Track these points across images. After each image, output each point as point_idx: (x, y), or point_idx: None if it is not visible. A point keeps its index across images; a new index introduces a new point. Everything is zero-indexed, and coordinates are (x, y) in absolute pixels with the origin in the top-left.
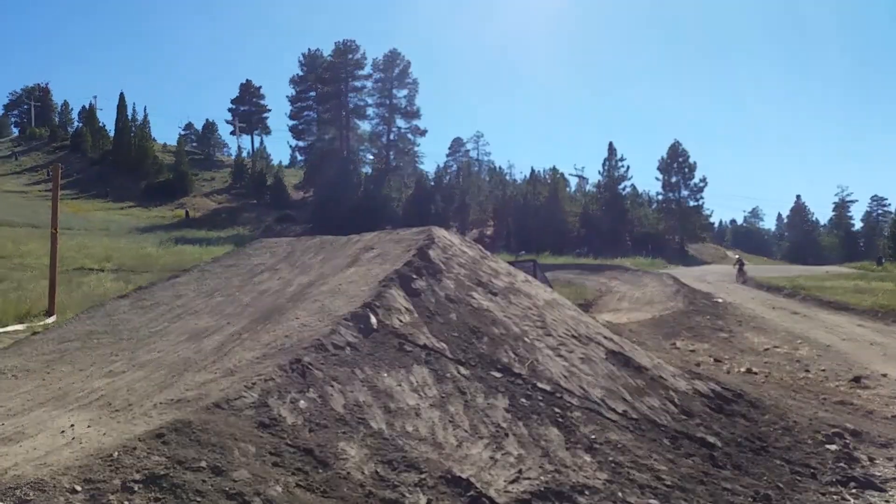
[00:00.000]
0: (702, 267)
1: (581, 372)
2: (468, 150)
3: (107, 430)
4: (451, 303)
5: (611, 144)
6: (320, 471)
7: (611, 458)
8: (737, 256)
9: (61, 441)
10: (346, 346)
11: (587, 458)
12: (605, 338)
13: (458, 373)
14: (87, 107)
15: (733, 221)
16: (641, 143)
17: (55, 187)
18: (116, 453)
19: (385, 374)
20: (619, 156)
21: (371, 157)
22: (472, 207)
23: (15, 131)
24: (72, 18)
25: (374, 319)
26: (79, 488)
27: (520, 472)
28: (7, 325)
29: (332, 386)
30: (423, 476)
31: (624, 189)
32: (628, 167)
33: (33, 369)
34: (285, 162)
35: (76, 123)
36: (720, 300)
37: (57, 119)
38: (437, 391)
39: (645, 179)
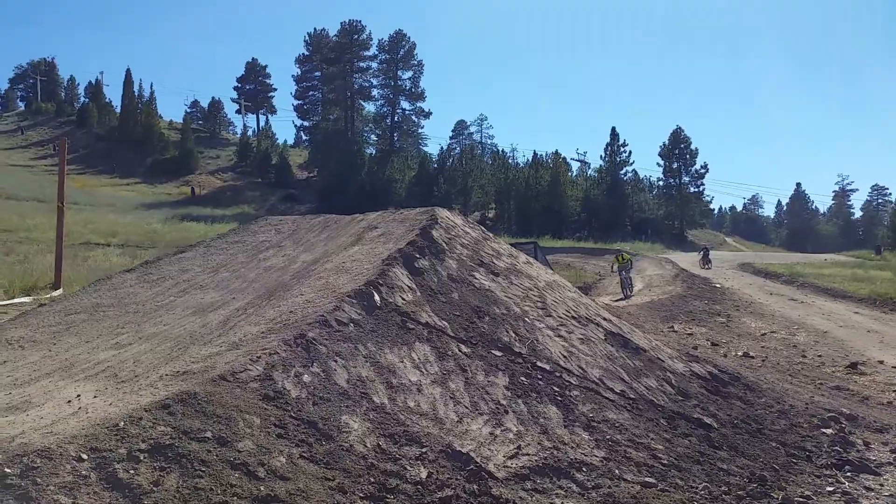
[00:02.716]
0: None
1: (580, 352)
2: (472, 133)
3: (113, 400)
4: (453, 282)
5: (613, 129)
6: (323, 443)
7: (608, 437)
8: (703, 244)
9: (68, 410)
10: (350, 323)
11: (585, 435)
12: (605, 319)
13: (460, 351)
14: (93, 82)
15: (733, 208)
16: (644, 129)
17: (62, 161)
18: (122, 423)
19: (388, 351)
20: (621, 141)
21: (375, 138)
22: (474, 190)
23: (21, 105)
24: None
25: (377, 297)
26: (85, 456)
27: (519, 447)
28: (14, 298)
29: (336, 361)
30: (423, 450)
31: (625, 174)
32: (630, 152)
33: (40, 340)
34: (290, 141)
35: (82, 99)
36: (718, 285)
37: (63, 94)
38: (439, 368)
39: (646, 165)
